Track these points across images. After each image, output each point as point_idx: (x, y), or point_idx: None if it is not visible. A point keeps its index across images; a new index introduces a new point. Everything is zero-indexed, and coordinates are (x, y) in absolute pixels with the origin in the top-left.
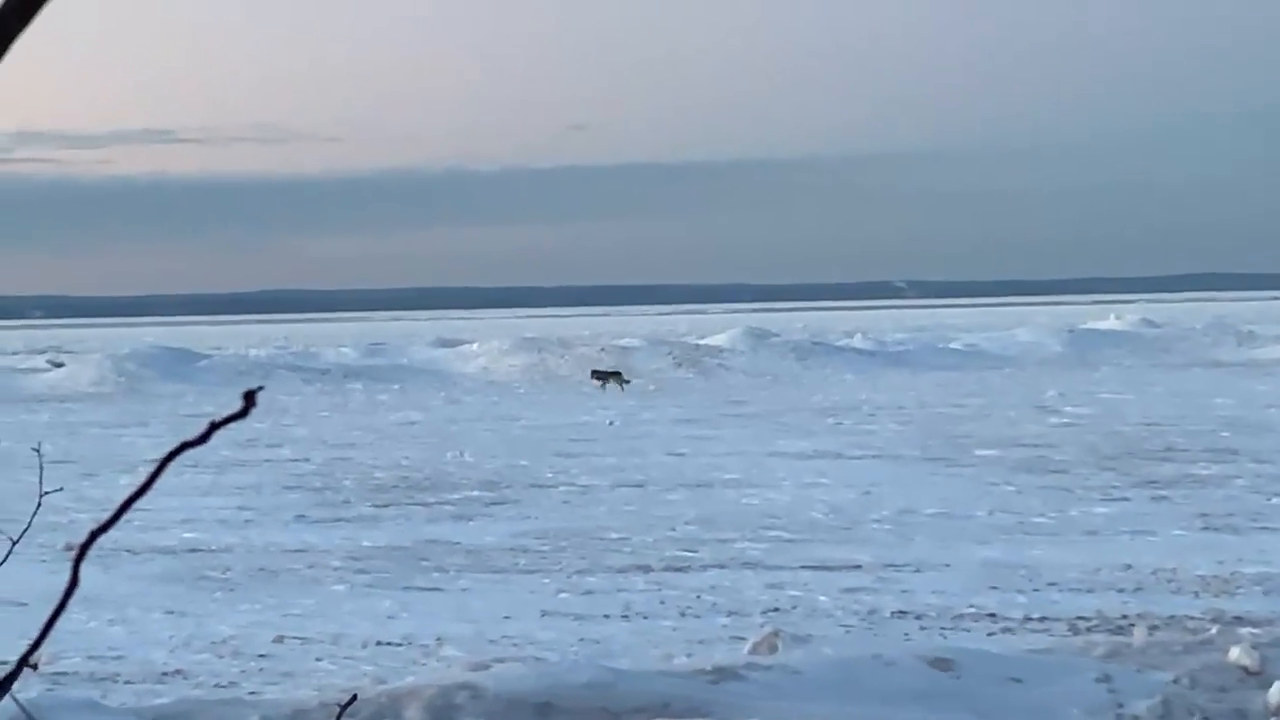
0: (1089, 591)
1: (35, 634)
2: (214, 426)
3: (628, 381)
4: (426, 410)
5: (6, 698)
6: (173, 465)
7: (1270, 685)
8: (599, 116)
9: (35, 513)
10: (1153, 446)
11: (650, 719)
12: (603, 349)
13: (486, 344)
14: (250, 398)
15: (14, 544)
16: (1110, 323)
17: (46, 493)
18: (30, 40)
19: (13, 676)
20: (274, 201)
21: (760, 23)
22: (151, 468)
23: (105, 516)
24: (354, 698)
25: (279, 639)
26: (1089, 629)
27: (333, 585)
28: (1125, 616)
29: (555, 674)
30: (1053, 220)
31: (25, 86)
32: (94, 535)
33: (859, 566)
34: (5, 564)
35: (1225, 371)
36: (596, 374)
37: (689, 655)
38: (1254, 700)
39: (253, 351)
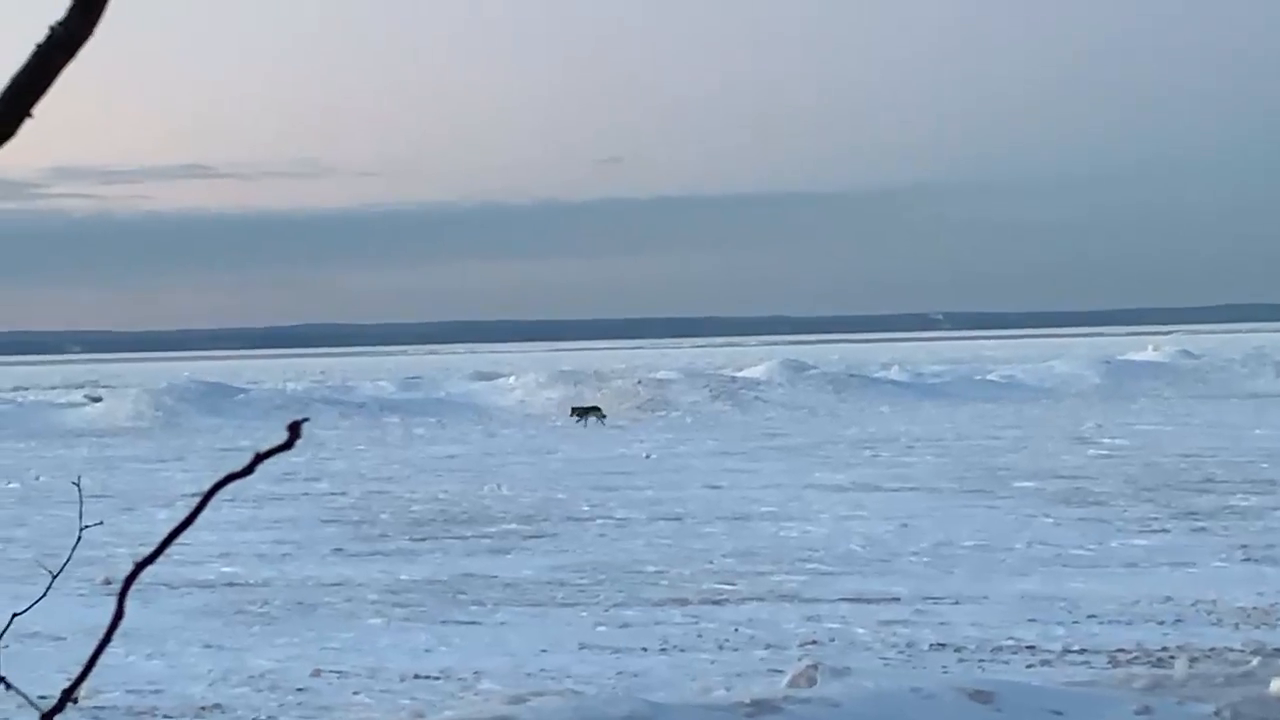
0: (1129, 624)
1: (75, 668)
2: (259, 458)
3: (604, 417)
4: (463, 443)
5: None
6: (213, 498)
7: None
8: (633, 150)
9: (75, 547)
10: (1192, 478)
11: None
12: (639, 381)
13: (523, 377)
14: (295, 429)
15: (53, 578)
16: (1148, 354)
17: (85, 527)
18: (68, 75)
19: (56, 710)
20: (310, 236)
21: (795, 54)
22: (191, 501)
23: (148, 549)
24: None
25: (317, 673)
26: (1129, 661)
27: (370, 619)
28: (1165, 649)
29: (593, 707)
30: (1089, 251)
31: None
32: (139, 568)
33: (897, 599)
34: (44, 598)
35: (1264, 402)
36: (576, 410)
37: (727, 688)
38: None
39: (290, 385)
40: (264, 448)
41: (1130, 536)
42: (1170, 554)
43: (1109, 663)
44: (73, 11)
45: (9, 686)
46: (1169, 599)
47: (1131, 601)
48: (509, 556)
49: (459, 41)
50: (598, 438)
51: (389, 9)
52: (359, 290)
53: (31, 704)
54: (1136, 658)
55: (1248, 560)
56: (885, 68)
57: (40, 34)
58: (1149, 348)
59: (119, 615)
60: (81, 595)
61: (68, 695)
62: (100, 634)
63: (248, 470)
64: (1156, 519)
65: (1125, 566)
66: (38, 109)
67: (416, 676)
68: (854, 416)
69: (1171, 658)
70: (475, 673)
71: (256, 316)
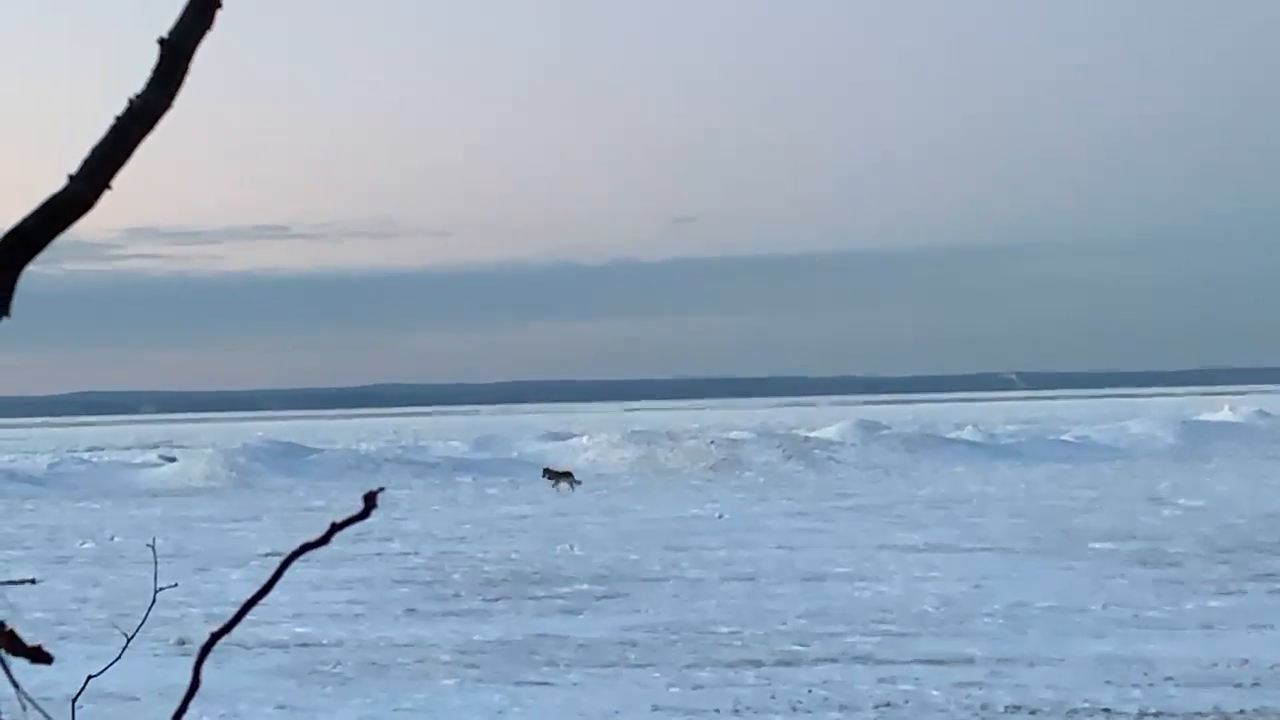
0: (1205, 686)
1: None
2: (335, 528)
3: (579, 482)
4: (536, 503)
5: None
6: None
7: None
8: (707, 208)
9: (150, 608)
10: (1269, 539)
11: None
12: (712, 442)
13: (595, 437)
14: (371, 499)
15: (129, 640)
16: (1223, 414)
17: (160, 589)
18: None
19: None
20: (383, 296)
21: (869, 114)
22: (264, 562)
23: (222, 611)
24: None
25: None
26: None
27: (443, 679)
28: (1242, 711)
29: None
30: (1164, 310)
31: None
32: (215, 637)
33: (971, 660)
34: (120, 659)
35: None
36: (549, 472)
37: None
38: None
39: (363, 445)
40: (340, 518)
41: (1207, 598)
42: (1247, 615)
43: None
44: (151, 85)
45: None
46: (1246, 661)
47: (1208, 664)
48: (581, 617)
49: (534, 101)
50: (671, 498)
51: (464, 68)
52: (432, 350)
53: None
54: None
55: None
56: (960, 126)
57: (120, 105)
58: (1224, 408)
59: (195, 685)
60: (156, 655)
61: None
62: (173, 695)
63: (324, 540)
64: (1233, 580)
65: (1202, 628)
66: (116, 179)
67: None
68: (928, 477)
69: None
70: None
71: (330, 377)
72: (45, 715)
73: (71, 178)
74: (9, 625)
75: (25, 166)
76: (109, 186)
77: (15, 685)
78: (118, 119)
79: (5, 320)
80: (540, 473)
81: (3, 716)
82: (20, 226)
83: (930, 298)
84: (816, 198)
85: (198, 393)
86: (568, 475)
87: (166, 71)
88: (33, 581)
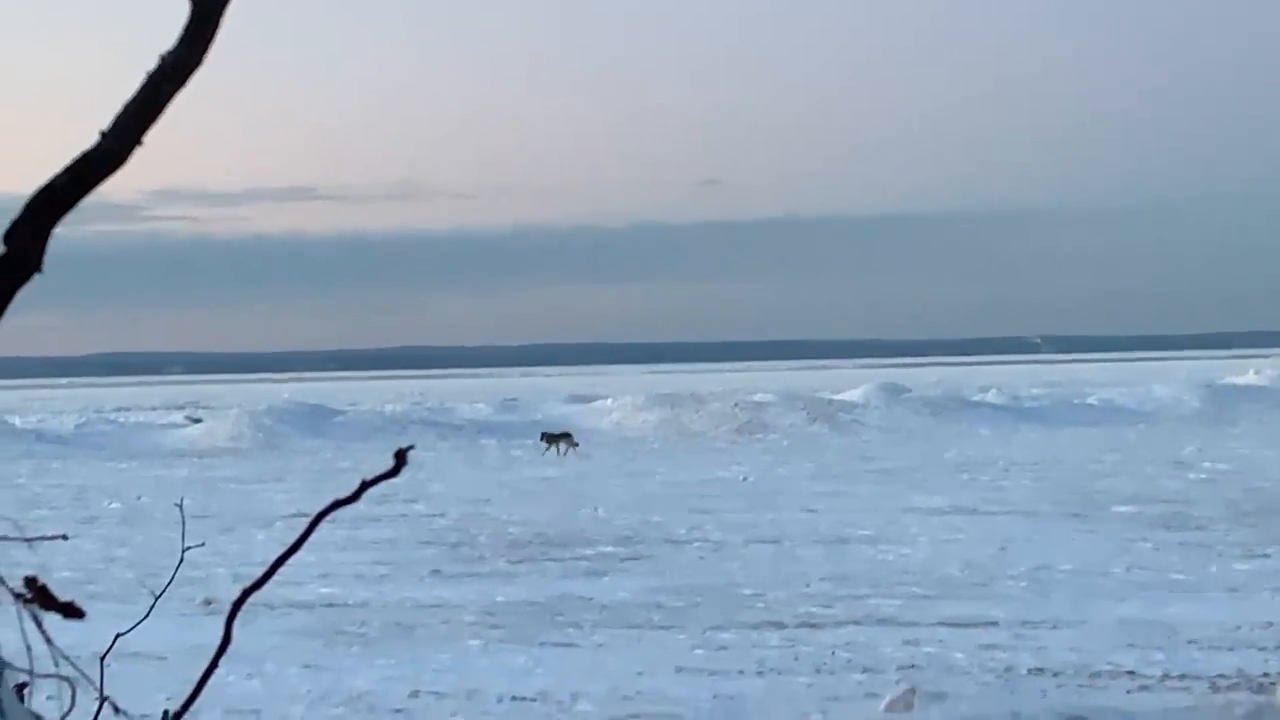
0: (1230, 650)
1: (176, 687)
2: (365, 485)
3: (576, 445)
4: (560, 466)
5: None
6: (319, 524)
7: None
8: (731, 172)
9: (177, 568)
10: None
11: None
12: (736, 404)
13: (620, 399)
14: (401, 457)
15: (156, 599)
16: (1249, 377)
17: (188, 548)
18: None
19: None
20: (409, 258)
21: (895, 78)
22: (290, 523)
23: (249, 571)
24: None
25: (414, 694)
26: (1229, 688)
27: (468, 640)
28: (1267, 675)
29: None
30: (1190, 273)
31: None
32: (246, 594)
33: (995, 623)
34: (148, 618)
35: None
36: (546, 435)
37: (824, 712)
38: None
39: (388, 407)
40: (370, 475)
41: (1231, 561)
42: (1272, 579)
43: (1209, 689)
44: (182, 42)
45: (116, 710)
46: (1270, 624)
47: (1233, 627)
48: (606, 579)
49: (558, 65)
50: (695, 460)
51: (490, 32)
52: (457, 312)
53: None
54: (1237, 684)
55: None
56: (986, 90)
57: (150, 62)
58: (1250, 371)
59: (226, 641)
60: (182, 615)
61: (176, 718)
62: (201, 654)
63: (354, 497)
64: (1258, 543)
65: (1226, 592)
66: (147, 136)
67: (514, 698)
68: (951, 440)
69: (1273, 684)
70: (572, 695)
71: (356, 338)
72: (78, 670)
73: (103, 134)
74: (41, 580)
75: (57, 130)
76: (140, 143)
77: (48, 641)
78: (149, 75)
79: (37, 277)
80: (540, 436)
81: (35, 671)
82: (52, 183)
83: (955, 261)
84: (841, 161)
85: (224, 354)
86: (565, 437)
87: (197, 29)
88: (64, 537)
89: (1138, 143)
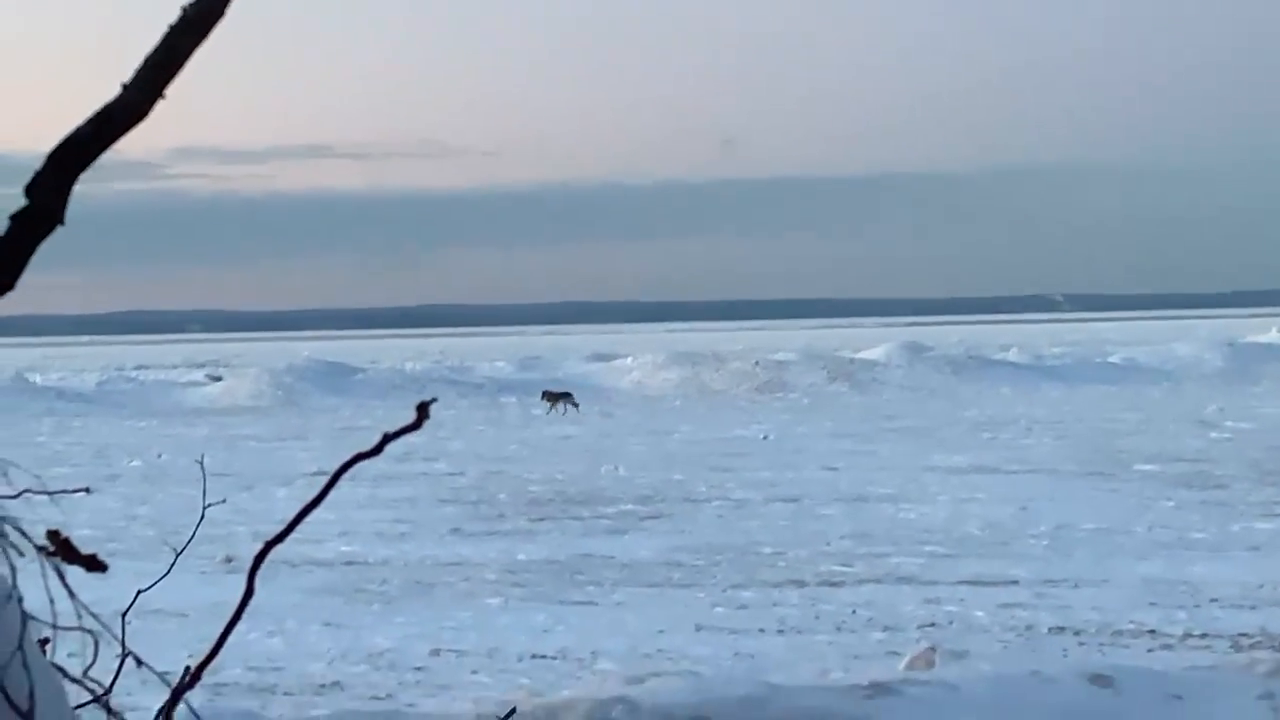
0: (1251, 608)
1: (197, 644)
2: (387, 438)
3: (577, 405)
4: (581, 424)
5: (182, 705)
6: (341, 478)
7: None
8: (753, 131)
9: (198, 525)
10: None
11: None
12: (757, 363)
13: (641, 358)
14: (423, 410)
15: (177, 556)
16: (1271, 336)
17: (209, 505)
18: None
19: (187, 687)
20: (431, 216)
21: (916, 37)
22: (310, 480)
23: (270, 528)
24: (512, 711)
25: (435, 652)
26: (1251, 646)
27: (488, 598)
28: None
29: (710, 688)
30: (1212, 232)
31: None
32: (268, 547)
33: (1016, 582)
34: (167, 575)
35: None
36: (547, 395)
37: (844, 670)
38: None
39: (409, 365)
40: (392, 428)
41: (1253, 520)
42: None
43: (1231, 647)
44: None
45: (140, 663)
46: None
47: (1255, 585)
48: (626, 537)
49: (582, 24)
50: (716, 419)
51: None
52: (478, 270)
53: (161, 679)
54: (1259, 642)
55: None
56: (1010, 50)
57: (172, 14)
58: (1273, 329)
59: (249, 594)
60: (203, 573)
61: (199, 672)
62: (222, 611)
63: (376, 450)
64: (1279, 503)
65: (1248, 550)
66: (169, 90)
67: (534, 656)
68: (973, 399)
69: None
70: (592, 653)
71: (376, 296)
72: (101, 624)
73: (124, 86)
74: (64, 533)
75: (79, 84)
76: (162, 96)
77: (71, 595)
78: (171, 27)
79: (59, 230)
80: (541, 395)
81: (58, 624)
82: (74, 135)
83: (977, 219)
84: (864, 120)
85: (244, 312)
86: (566, 396)
87: None
88: (87, 490)
89: (1161, 101)
